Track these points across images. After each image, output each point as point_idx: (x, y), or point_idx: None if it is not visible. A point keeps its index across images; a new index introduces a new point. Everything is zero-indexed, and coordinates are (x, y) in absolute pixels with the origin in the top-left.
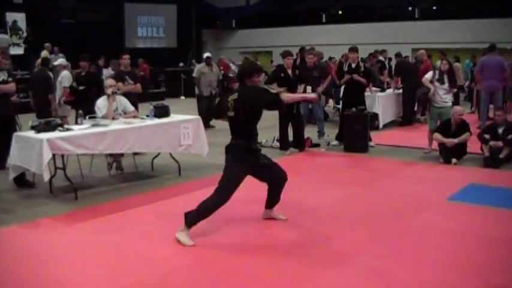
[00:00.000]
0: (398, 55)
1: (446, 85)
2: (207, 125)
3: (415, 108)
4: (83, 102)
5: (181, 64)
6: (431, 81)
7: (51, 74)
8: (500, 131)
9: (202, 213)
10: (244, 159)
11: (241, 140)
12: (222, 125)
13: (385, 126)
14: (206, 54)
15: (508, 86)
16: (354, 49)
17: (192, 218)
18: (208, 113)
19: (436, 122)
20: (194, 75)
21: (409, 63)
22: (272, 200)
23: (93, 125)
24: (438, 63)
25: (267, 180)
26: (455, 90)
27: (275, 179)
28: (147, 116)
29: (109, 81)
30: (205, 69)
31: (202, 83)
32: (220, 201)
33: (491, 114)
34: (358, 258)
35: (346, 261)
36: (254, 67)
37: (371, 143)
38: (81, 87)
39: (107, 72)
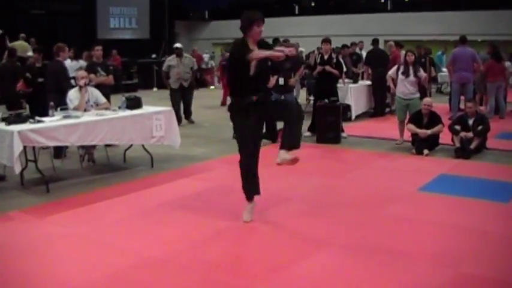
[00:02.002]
0: (374, 42)
1: (411, 77)
2: (186, 119)
3: (388, 100)
4: (40, 95)
5: (153, 55)
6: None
7: (19, 64)
8: (470, 122)
9: (243, 177)
10: (239, 115)
11: (234, 96)
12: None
13: (358, 117)
14: (176, 45)
15: (477, 78)
16: (326, 40)
17: (243, 187)
18: (183, 106)
19: (405, 114)
20: (163, 68)
21: (379, 54)
22: (285, 139)
23: (65, 117)
24: (402, 53)
25: (281, 119)
26: (424, 78)
27: (286, 117)
28: (119, 107)
29: (81, 73)
30: (174, 61)
31: (171, 76)
32: (244, 160)
33: (462, 106)
34: (330, 248)
35: (320, 250)
36: (252, 17)
37: (343, 134)
38: (40, 80)
39: (76, 64)
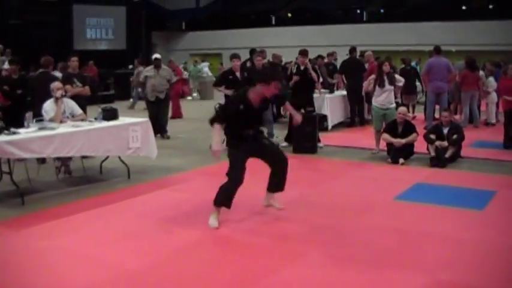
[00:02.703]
0: (352, 50)
1: (387, 86)
2: (159, 133)
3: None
4: (19, 106)
5: (130, 66)
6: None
7: None
8: (445, 131)
9: (224, 194)
10: (237, 144)
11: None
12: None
13: (334, 127)
14: (155, 56)
15: (451, 88)
16: (303, 53)
17: (217, 199)
18: (158, 119)
19: (382, 123)
20: (140, 79)
21: (355, 63)
22: (272, 184)
23: (40, 129)
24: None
25: (268, 162)
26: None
27: (275, 161)
28: (95, 119)
29: (56, 84)
30: (151, 72)
31: (147, 87)
32: (232, 184)
33: (437, 115)
34: (307, 258)
35: (296, 260)
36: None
37: (320, 144)
38: (18, 91)
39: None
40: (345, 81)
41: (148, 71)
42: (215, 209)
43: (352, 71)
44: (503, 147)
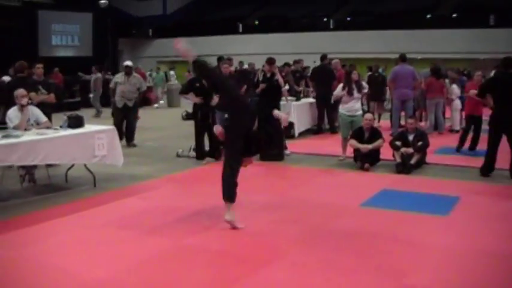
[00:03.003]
0: (323, 58)
1: (355, 94)
2: (127, 142)
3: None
4: None
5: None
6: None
7: None
8: (410, 138)
9: (233, 183)
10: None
11: None
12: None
13: (301, 134)
14: (126, 63)
15: (416, 95)
16: (270, 62)
17: (227, 196)
18: (125, 127)
19: (349, 130)
20: (110, 85)
21: (324, 71)
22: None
23: (4, 136)
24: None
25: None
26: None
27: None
28: (60, 126)
29: (20, 92)
30: (121, 78)
31: (116, 94)
32: (236, 170)
33: (402, 122)
34: (275, 265)
35: (264, 268)
36: None
37: (286, 152)
38: None
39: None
40: (314, 89)
41: (119, 77)
42: (229, 205)
43: (323, 79)
44: (455, 150)
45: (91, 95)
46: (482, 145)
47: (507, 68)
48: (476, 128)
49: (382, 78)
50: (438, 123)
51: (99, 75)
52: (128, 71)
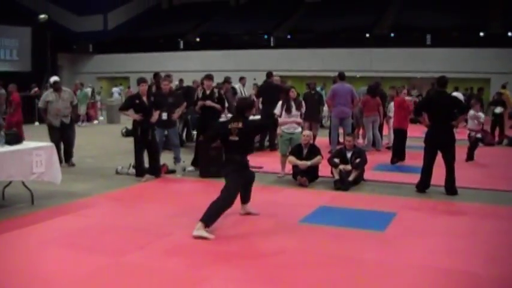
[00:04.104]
0: (269, 75)
1: (294, 112)
2: (66, 161)
3: None
4: None
5: (35, 89)
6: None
7: None
8: (348, 155)
9: (215, 214)
10: (241, 169)
11: (238, 156)
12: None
13: None
14: (53, 79)
15: (355, 112)
16: (208, 77)
17: (207, 219)
18: (64, 145)
19: (288, 147)
20: (40, 105)
21: (271, 88)
22: (245, 198)
23: None
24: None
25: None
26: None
27: (250, 179)
28: None
29: None
30: (52, 96)
31: (49, 113)
32: (227, 204)
33: (341, 139)
34: (213, 281)
35: (203, 284)
36: (249, 103)
37: None
38: None
39: None
40: (260, 106)
41: (49, 95)
42: (201, 225)
43: (269, 96)
44: (391, 162)
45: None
46: (418, 161)
47: (442, 87)
48: (402, 141)
49: (319, 96)
50: (375, 140)
51: (3, 91)
52: (57, 87)
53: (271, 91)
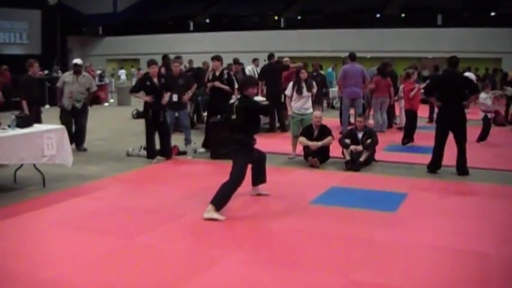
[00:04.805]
0: (270, 57)
1: (305, 93)
2: (77, 146)
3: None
4: None
5: (46, 72)
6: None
7: None
8: (359, 136)
9: (225, 196)
10: (243, 149)
11: (239, 135)
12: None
13: None
14: (75, 61)
15: (366, 93)
16: (216, 57)
17: (218, 202)
18: (75, 130)
19: (299, 128)
20: (58, 84)
21: (274, 69)
22: (257, 179)
23: None
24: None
25: (255, 162)
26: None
27: (260, 160)
28: (8, 126)
29: None
30: (70, 78)
31: (63, 95)
32: (235, 185)
33: (352, 120)
34: (224, 263)
35: (214, 266)
36: (250, 81)
37: None
38: None
39: None
40: (263, 88)
41: (67, 76)
42: (211, 207)
43: (271, 77)
44: (402, 143)
45: None
46: (429, 142)
47: (453, 67)
48: (412, 122)
49: (322, 78)
50: (382, 121)
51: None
52: (77, 70)
53: (273, 73)
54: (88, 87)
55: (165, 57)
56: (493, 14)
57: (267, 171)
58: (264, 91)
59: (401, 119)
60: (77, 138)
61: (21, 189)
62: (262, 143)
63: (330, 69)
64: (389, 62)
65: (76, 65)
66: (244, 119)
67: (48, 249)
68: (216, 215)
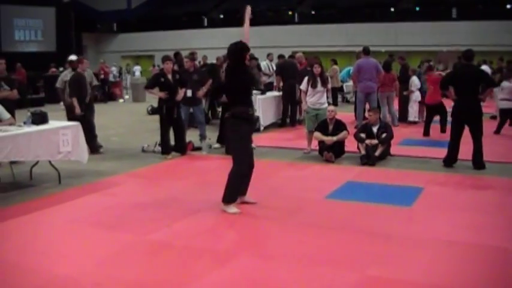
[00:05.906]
0: (280, 56)
1: (319, 87)
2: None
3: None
4: None
5: (61, 69)
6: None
7: None
8: (375, 129)
9: (234, 187)
10: (235, 125)
11: (231, 109)
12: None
13: (266, 128)
14: (70, 58)
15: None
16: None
17: (228, 198)
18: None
19: (314, 123)
20: (57, 85)
21: (290, 65)
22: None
23: None
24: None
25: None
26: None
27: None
28: (24, 123)
29: None
30: (69, 76)
31: (67, 93)
32: (243, 166)
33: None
34: (239, 259)
35: (229, 262)
36: (237, 49)
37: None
38: None
39: None
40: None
41: (67, 74)
42: (224, 205)
43: (287, 74)
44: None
45: None
46: (445, 136)
47: (468, 60)
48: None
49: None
50: (392, 116)
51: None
52: (74, 66)
53: (287, 70)
54: (90, 82)
55: (177, 54)
56: (508, 6)
57: (282, 165)
58: (280, 86)
59: (414, 112)
60: (89, 134)
61: (37, 185)
62: (276, 137)
63: (348, 68)
64: (402, 56)
65: (72, 61)
66: (229, 89)
67: (64, 245)
68: (231, 209)
